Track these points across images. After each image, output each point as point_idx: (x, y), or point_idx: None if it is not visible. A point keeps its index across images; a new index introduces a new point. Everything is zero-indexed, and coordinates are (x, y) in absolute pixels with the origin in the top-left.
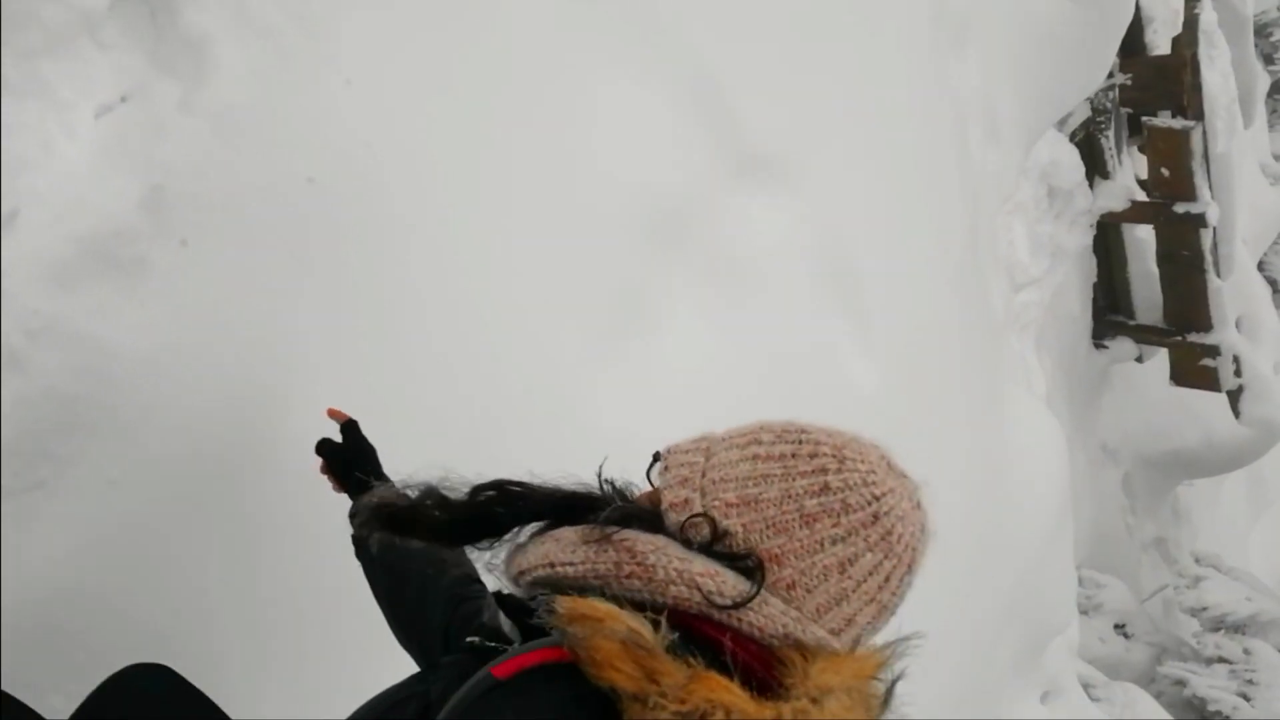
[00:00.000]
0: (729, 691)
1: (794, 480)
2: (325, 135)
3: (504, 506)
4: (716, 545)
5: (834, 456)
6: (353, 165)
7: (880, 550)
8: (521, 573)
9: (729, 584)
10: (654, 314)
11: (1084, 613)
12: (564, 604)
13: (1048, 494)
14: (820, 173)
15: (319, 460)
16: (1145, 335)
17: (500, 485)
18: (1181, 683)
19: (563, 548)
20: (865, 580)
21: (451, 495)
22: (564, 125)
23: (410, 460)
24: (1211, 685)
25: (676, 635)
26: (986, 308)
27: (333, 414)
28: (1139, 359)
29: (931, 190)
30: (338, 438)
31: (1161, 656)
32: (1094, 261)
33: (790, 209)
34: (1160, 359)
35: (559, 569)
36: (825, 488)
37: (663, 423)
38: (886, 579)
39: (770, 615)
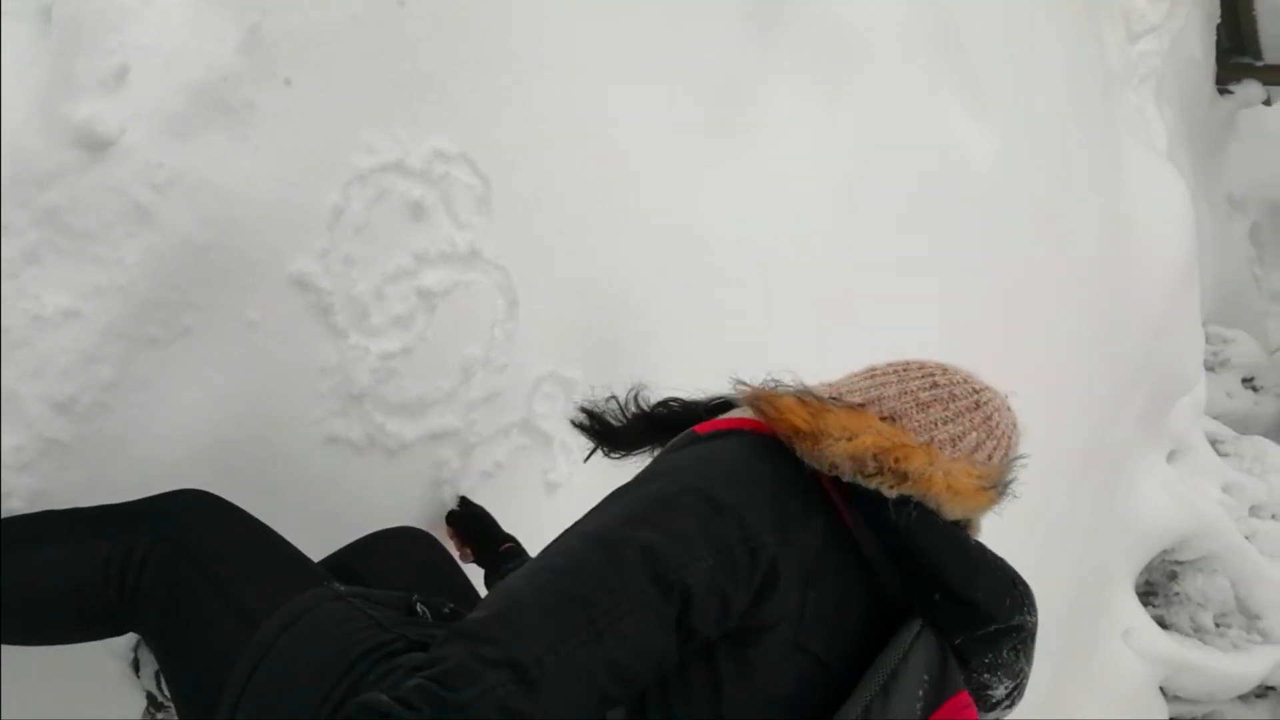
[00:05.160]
0: (879, 423)
1: (908, 382)
2: None
3: (682, 407)
4: None
5: (938, 368)
6: None
7: (983, 430)
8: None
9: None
10: (757, 102)
11: (1211, 369)
12: (745, 390)
13: (1172, 252)
14: None
15: (451, 530)
16: (1273, 75)
17: (667, 401)
18: None
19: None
20: (971, 454)
21: (635, 408)
22: None
23: (539, 272)
24: None
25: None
26: (1103, 62)
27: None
28: (1266, 102)
29: None
30: None
31: None
32: (1217, 0)
33: None
34: None
35: (726, 415)
36: (934, 384)
37: (779, 214)
38: (989, 456)
39: None
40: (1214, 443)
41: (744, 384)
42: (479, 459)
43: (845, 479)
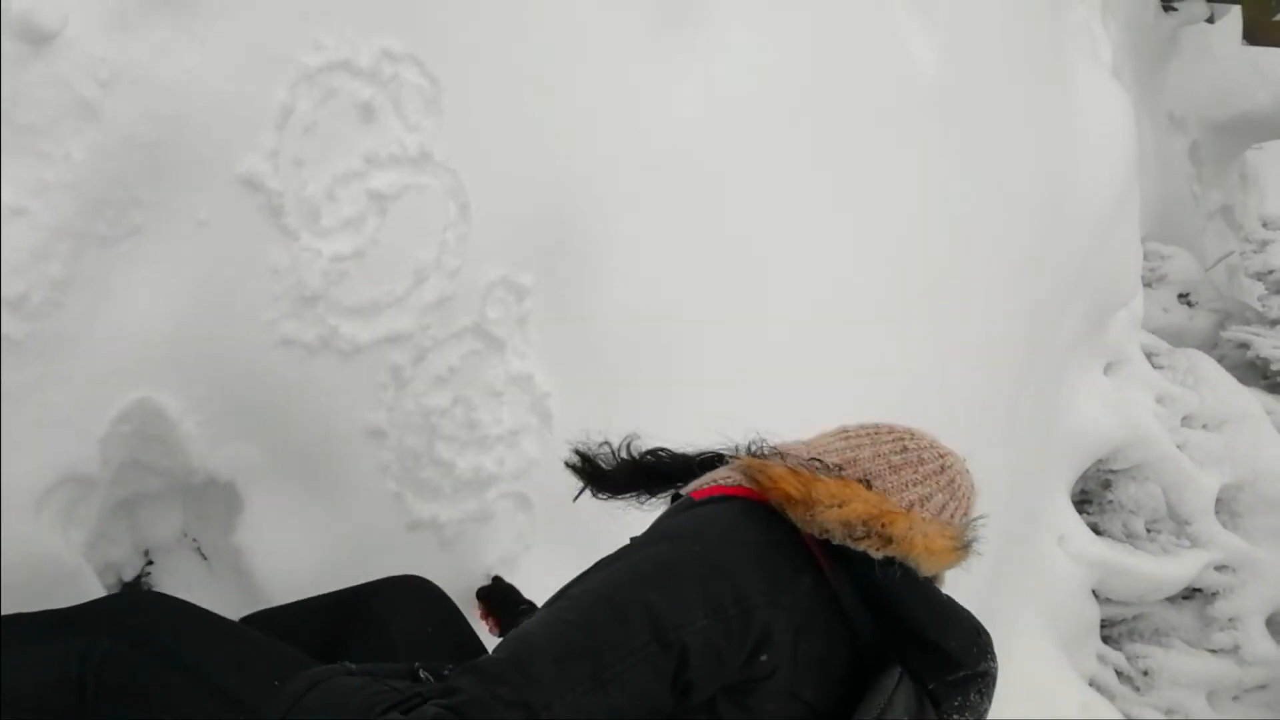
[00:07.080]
0: (865, 492)
1: (880, 446)
2: None
3: (671, 459)
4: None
5: (907, 433)
6: None
7: (947, 492)
8: (693, 495)
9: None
10: (706, 7)
11: (1148, 285)
12: (741, 460)
13: (1114, 167)
14: None
15: (481, 605)
16: None
17: (656, 450)
18: (1245, 345)
19: (720, 474)
20: (938, 514)
21: (626, 455)
22: None
23: (490, 177)
24: (1275, 346)
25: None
26: None
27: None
28: (1210, 19)
29: None
30: None
31: (1225, 322)
32: None
33: None
34: (1233, 18)
35: (720, 481)
36: (905, 449)
37: (726, 119)
38: (952, 515)
39: None
40: (1149, 355)
41: (735, 452)
42: (432, 363)
43: (835, 542)
